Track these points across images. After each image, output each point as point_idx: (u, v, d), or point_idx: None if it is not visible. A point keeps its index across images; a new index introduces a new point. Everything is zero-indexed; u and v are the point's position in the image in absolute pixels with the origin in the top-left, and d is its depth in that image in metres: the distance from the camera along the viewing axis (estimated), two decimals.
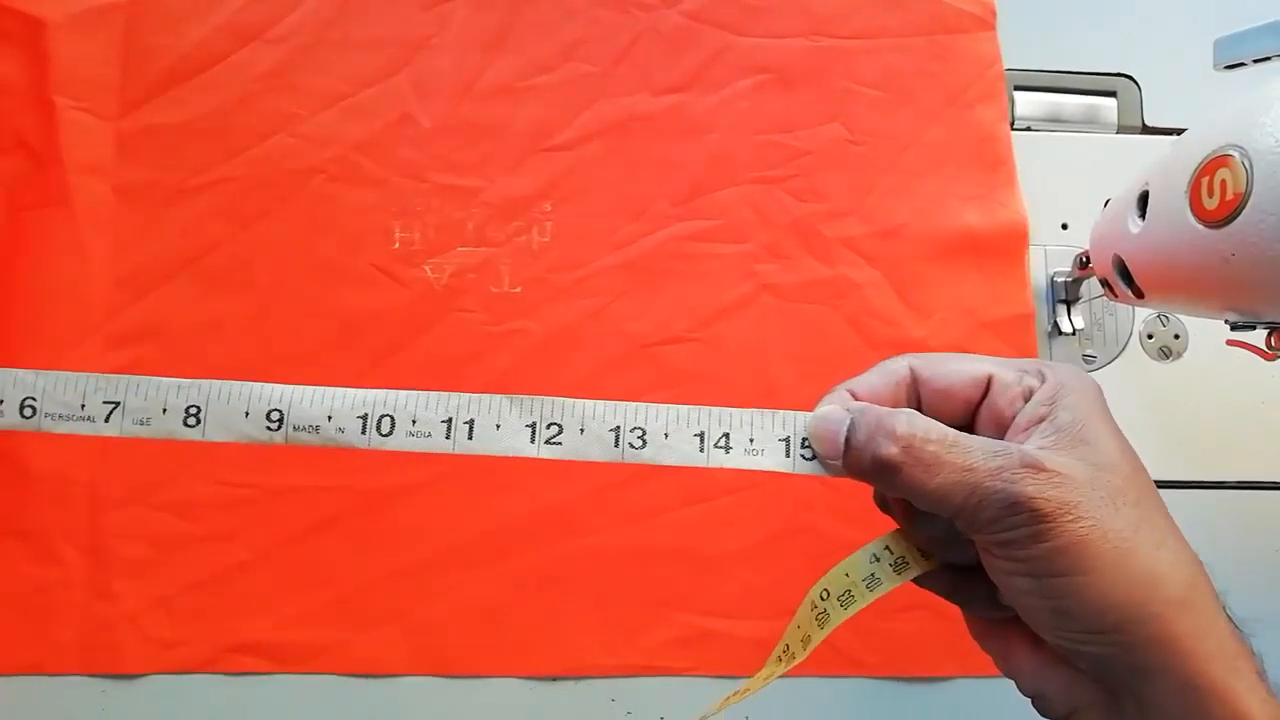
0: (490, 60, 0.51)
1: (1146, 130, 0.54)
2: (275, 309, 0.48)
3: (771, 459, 0.28)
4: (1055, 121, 0.54)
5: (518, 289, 0.49)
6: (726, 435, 0.28)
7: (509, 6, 0.52)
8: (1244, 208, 0.30)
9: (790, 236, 0.51)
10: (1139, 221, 0.36)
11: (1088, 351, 0.51)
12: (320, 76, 0.50)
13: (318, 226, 0.49)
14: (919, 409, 0.27)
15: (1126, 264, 0.38)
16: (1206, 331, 0.50)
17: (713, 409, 0.28)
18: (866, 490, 0.48)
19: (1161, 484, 0.48)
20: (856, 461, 0.26)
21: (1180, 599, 0.24)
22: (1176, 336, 0.51)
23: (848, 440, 0.26)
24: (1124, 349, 0.51)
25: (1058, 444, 0.25)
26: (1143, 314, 0.52)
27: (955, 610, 0.47)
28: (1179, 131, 0.40)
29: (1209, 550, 0.48)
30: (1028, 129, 0.53)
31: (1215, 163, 0.31)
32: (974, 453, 0.25)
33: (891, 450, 0.25)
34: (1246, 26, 0.34)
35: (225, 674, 0.45)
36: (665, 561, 0.47)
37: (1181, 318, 0.52)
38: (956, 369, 0.27)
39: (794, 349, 0.49)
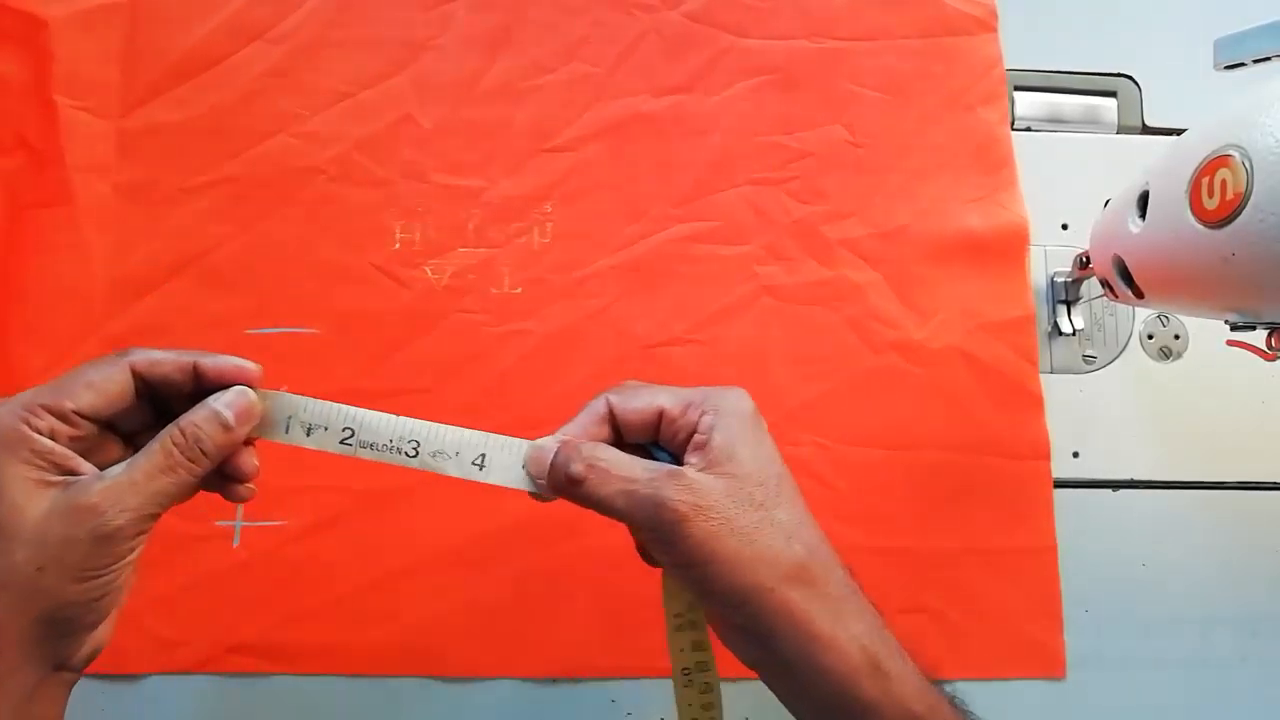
0: (491, 61, 0.52)
1: (1146, 130, 0.54)
2: (275, 309, 0.48)
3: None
4: (1055, 121, 0.54)
5: (518, 290, 0.49)
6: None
7: (510, 7, 0.52)
8: (1244, 208, 0.30)
9: (791, 238, 0.51)
10: (1139, 221, 0.36)
11: (1088, 352, 0.51)
12: (321, 76, 0.51)
13: (318, 226, 0.49)
14: (620, 435, 0.34)
15: (1126, 264, 0.38)
16: (1206, 331, 0.50)
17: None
18: (864, 492, 0.48)
19: (1162, 484, 0.49)
20: (555, 477, 0.33)
21: (792, 575, 0.31)
22: (1176, 336, 0.51)
23: (552, 463, 0.33)
24: (1124, 349, 0.51)
25: (705, 462, 0.32)
26: (1143, 314, 0.52)
27: (953, 613, 0.47)
28: (1179, 131, 0.40)
29: (1209, 550, 0.49)
30: (1028, 129, 0.53)
31: (1215, 163, 0.31)
32: (635, 469, 0.32)
33: (578, 468, 0.32)
34: (1246, 26, 0.34)
35: (225, 674, 0.45)
36: None
37: (1181, 318, 0.52)
38: (636, 406, 0.33)
39: (794, 350, 0.49)
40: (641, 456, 0.33)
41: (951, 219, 0.51)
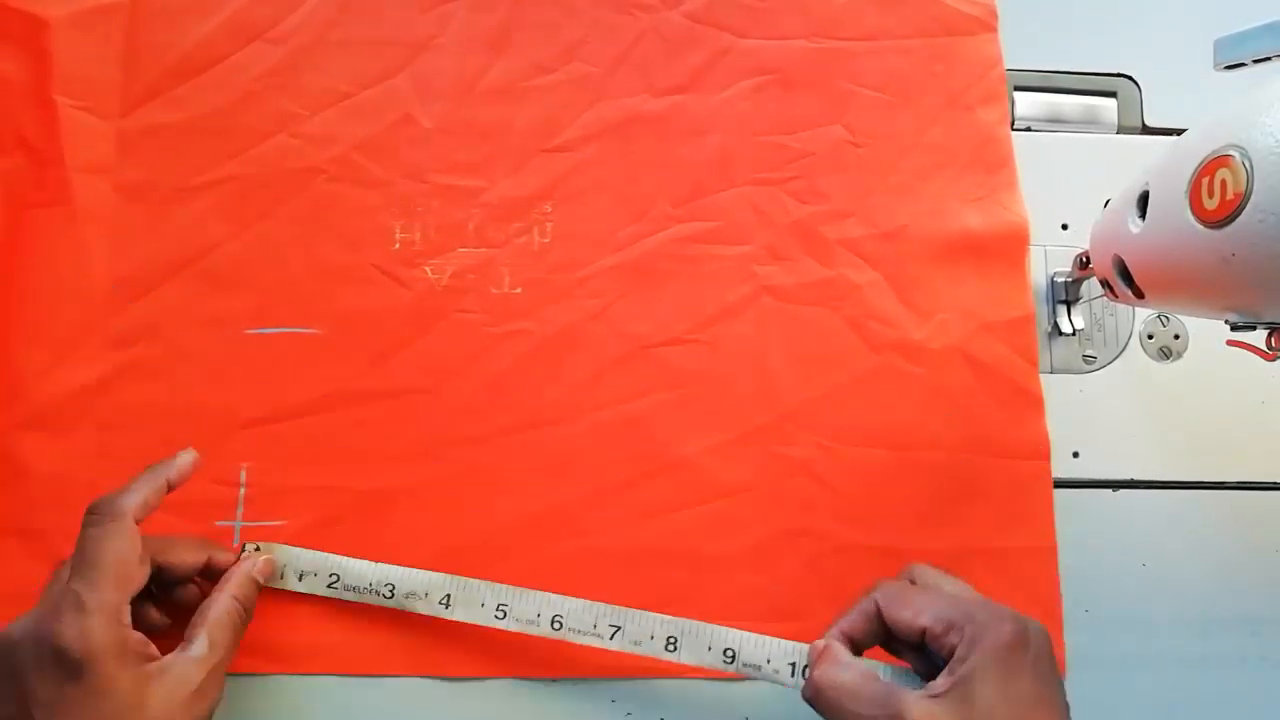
0: (491, 61, 0.52)
1: (1146, 130, 0.54)
2: (275, 309, 0.48)
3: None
4: (1055, 122, 0.54)
5: (518, 290, 0.49)
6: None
7: (510, 7, 0.52)
8: (1244, 208, 0.30)
9: (791, 238, 0.51)
10: (1139, 221, 0.36)
11: (1088, 352, 0.51)
12: (321, 76, 0.51)
13: (318, 226, 0.49)
14: (890, 633, 0.36)
15: (1126, 264, 0.38)
16: (1206, 331, 0.50)
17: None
18: (866, 493, 0.48)
19: (1162, 484, 0.49)
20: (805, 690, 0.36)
21: None
22: (1176, 336, 0.51)
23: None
24: (1124, 349, 0.51)
25: (941, 694, 0.32)
26: (1143, 314, 0.52)
27: None
28: (1179, 131, 0.40)
29: (1209, 550, 0.49)
30: (1028, 129, 0.53)
31: (1215, 163, 0.31)
32: (862, 702, 0.34)
33: (806, 692, 0.36)
34: (1246, 26, 0.34)
35: (225, 674, 0.45)
36: (664, 563, 0.47)
37: (1181, 318, 0.52)
38: (903, 617, 0.36)
39: (794, 350, 0.49)
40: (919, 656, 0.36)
41: (951, 219, 0.51)
